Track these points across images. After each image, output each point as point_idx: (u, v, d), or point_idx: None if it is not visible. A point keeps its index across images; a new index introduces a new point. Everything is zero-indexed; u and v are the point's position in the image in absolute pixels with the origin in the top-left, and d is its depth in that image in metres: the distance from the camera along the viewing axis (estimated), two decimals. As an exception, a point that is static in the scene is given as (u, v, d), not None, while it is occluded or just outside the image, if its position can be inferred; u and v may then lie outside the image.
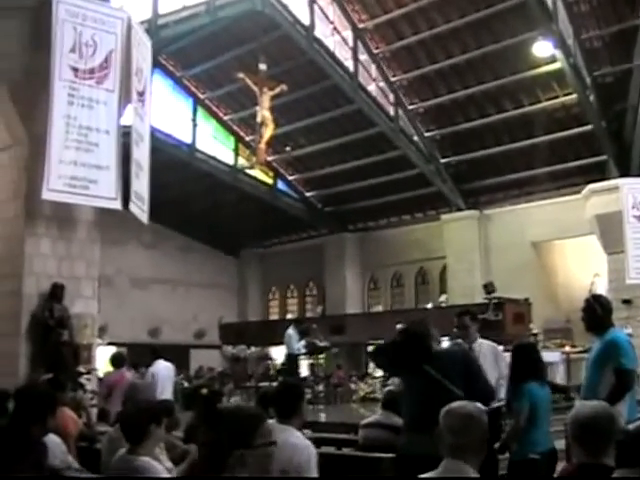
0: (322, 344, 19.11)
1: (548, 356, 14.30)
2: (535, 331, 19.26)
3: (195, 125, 26.35)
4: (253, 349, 26.32)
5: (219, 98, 26.56)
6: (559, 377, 16.70)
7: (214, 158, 26.69)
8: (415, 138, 24.85)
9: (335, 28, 23.55)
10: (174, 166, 23.95)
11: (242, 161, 26.96)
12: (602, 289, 20.03)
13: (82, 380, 11.48)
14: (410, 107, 24.47)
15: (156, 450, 5.12)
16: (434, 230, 25.97)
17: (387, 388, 9.35)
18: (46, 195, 11.09)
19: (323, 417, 15.15)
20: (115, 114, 11.85)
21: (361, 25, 23.33)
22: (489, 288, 19.11)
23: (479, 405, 3.87)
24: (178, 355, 18.68)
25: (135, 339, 24.85)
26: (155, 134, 18.18)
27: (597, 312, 6.38)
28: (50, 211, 11.93)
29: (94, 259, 12.76)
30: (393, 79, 24.09)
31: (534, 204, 23.81)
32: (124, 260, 26.86)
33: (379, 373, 19.94)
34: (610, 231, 19.65)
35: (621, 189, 19.09)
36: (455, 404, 3.67)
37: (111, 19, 11.89)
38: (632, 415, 5.98)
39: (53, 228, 12.08)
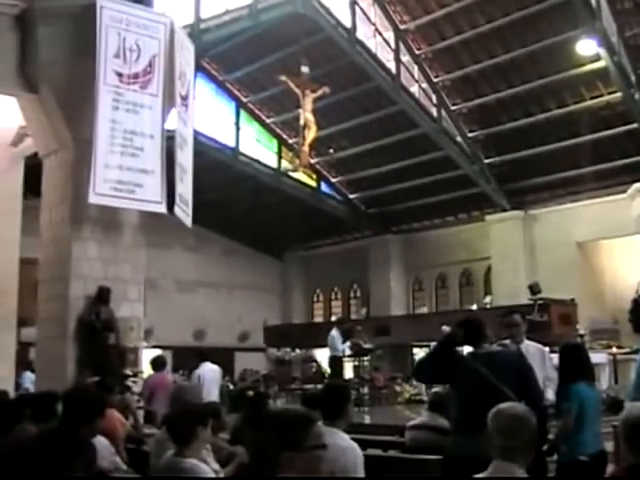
0: (367, 346, 19.02)
1: (594, 357, 14.02)
2: (581, 332, 18.98)
3: (238, 128, 26.47)
4: (297, 351, 26.38)
5: (262, 101, 26.65)
6: (605, 379, 16.48)
7: (257, 161, 26.80)
8: (458, 139, 24.76)
9: (377, 30, 23.55)
10: (217, 169, 24.05)
11: (285, 164, 27.03)
12: (650, 289, 19.74)
13: (129, 383, 11.53)
14: (453, 108, 24.37)
15: (203, 452, 5.13)
16: (479, 231, 25.86)
17: (433, 390, 9.30)
18: (93, 199, 11.15)
19: (368, 419, 15.09)
20: (159, 118, 11.90)
21: (403, 26, 23.28)
22: (534, 289, 18.95)
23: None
24: (222, 358, 18.74)
25: (180, 342, 25.10)
26: (198, 138, 18.30)
27: (645, 313, 6.29)
28: (96, 215, 11.97)
29: (139, 262, 12.79)
30: (435, 80, 24.01)
31: (579, 204, 23.58)
32: (169, 263, 27.11)
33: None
34: (657, 230, 19.41)
35: (668, 187, 18.86)
36: (503, 405, 3.63)
37: (154, 24, 11.95)
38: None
39: (99, 232, 12.10)
